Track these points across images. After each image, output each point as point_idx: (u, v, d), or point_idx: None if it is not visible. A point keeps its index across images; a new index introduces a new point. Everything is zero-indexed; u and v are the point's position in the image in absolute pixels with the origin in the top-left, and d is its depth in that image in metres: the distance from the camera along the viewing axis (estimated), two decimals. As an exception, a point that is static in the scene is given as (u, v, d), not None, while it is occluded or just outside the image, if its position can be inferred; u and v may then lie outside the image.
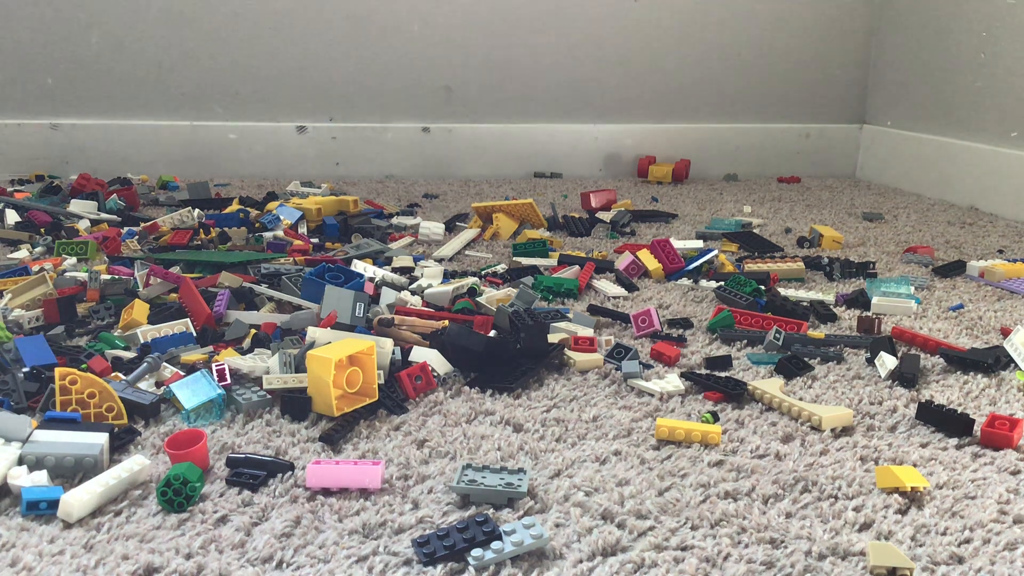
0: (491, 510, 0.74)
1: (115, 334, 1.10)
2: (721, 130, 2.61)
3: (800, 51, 2.61)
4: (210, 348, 1.05)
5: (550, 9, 2.45)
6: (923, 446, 0.88)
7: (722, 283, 1.37)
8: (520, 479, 0.77)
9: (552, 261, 1.53)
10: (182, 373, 0.97)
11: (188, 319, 1.12)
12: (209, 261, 1.38)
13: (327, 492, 0.77)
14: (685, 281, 1.45)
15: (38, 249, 1.49)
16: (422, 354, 1.02)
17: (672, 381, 1.01)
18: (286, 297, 1.21)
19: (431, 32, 2.41)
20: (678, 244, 1.60)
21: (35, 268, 1.36)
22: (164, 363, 0.99)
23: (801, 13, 2.58)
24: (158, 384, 0.96)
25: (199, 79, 2.33)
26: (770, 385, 0.99)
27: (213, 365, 0.95)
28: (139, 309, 1.13)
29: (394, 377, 0.98)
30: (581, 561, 0.68)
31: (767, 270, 1.45)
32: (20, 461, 0.77)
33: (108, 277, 1.28)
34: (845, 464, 0.84)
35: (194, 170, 2.34)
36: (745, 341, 1.17)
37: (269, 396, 0.93)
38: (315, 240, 1.61)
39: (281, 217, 1.67)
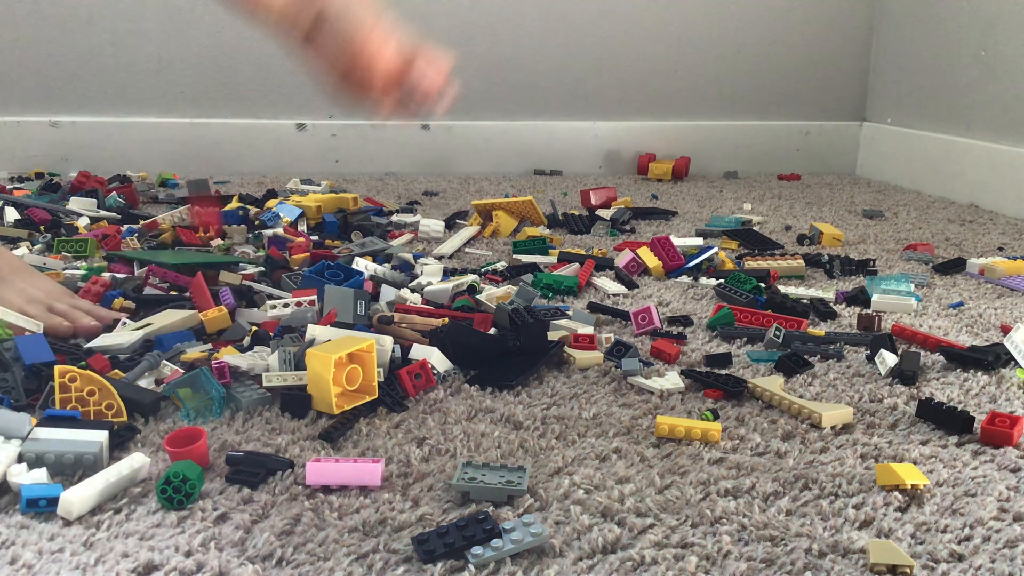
0: (491, 508, 0.74)
1: (115, 332, 1.10)
2: (721, 127, 2.61)
3: (800, 48, 2.61)
4: (210, 346, 1.05)
5: (550, 6, 2.45)
6: (923, 444, 0.88)
7: (722, 280, 1.37)
8: (520, 477, 0.77)
9: (552, 259, 1.53)
10: (182, 371, 0.97)
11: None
12: (173, 262, 1.33)
13: (327, 490, 0.77)
14: (685, 279, 1.45)
15: (37, 247, 1.49)
16: (422, 352, 1.02)
17: (672, 379, 1.01)
18: (286, 295, 1.21)
19: (430, 29, 2.39)
20: (678, 241, 1.60)
21: (34, 265, 1.35)
22: (164, 360, 0.99)
23: (801, 10, 2.57)
24: (158, 382, 0.96)
25: (198, 76, 2.32)
26: (770, 383, 0.99)
27: (213, 363, 0.95)
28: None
29: (394, 375, 0.98)
30: (581, 559, 0.68)
31: (767, 267, 1.45)
32: (20, 459, 0.77)
33: (107, 275, 1.28)
34: (845, 462, 0.84)
35: (194, 167, 2.33)
36: (745, 338, 1.17)
37: (269, 394, 0.93)
38: (315, 237, 1.61)
39: (281, 215, 1.67)
